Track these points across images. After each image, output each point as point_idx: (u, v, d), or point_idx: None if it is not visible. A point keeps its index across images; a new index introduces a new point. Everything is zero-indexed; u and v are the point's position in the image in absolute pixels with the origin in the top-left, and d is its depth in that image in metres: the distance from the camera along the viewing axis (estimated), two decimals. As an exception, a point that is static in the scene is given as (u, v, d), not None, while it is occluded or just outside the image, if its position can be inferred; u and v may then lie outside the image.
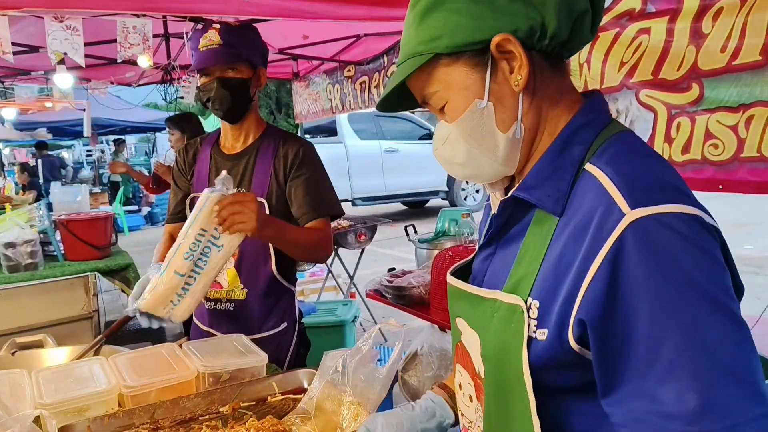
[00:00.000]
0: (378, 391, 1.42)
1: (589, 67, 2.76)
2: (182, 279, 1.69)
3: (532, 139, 0.94)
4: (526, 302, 0.88)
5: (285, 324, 2.18)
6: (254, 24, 3.94)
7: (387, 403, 1.47)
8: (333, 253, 5.51)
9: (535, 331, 0.87)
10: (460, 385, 1.07)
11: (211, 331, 2.17)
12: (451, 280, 1.07)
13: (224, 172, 1.75)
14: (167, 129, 4.99)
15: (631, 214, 0.77)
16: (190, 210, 1.93)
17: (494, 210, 1.01)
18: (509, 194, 0.95)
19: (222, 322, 2.15)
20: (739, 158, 2.27)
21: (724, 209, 10.68)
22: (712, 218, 0.79)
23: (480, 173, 0.97)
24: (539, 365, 0.87)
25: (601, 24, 2.99)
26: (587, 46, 2.73)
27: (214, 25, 2.03)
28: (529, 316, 0.87)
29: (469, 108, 0.91)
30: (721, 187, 2.33)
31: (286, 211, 2.08)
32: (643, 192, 0.79)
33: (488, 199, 1.13)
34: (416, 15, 0.92)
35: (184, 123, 4.85)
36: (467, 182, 11.47)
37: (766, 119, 2.19)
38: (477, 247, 1.10)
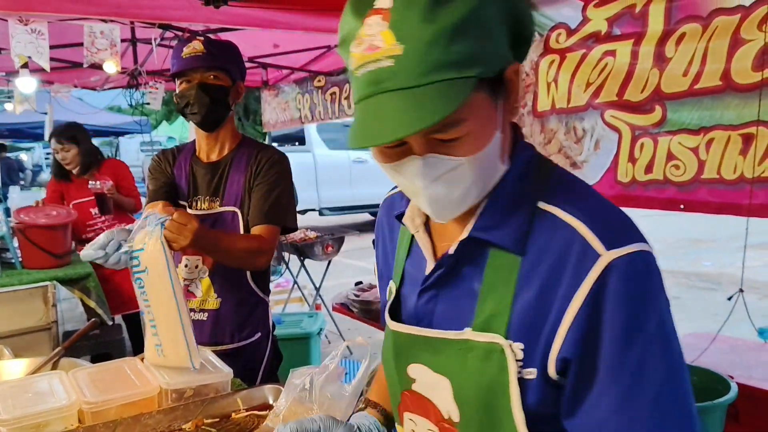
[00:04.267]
0: (344, 408, 1.42)
1: (556, 87, 2.81)
2: (147, 311, 1.70)
3: None
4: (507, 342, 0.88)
5: (259, 334, 2.17)
6: (224, 32, 3.93)
7: (353, 420, 1.46)
8: (299, 264, 5.50)
9: (520, 372, 0.88)
10: None
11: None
12: (399, 327, 1.00)
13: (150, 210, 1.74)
14: (55, 146, 4.17)
15: (606, 256, 0.82)
16: None
17: (427, 250, 0.99)
18: (466, 234, 0.92)
19: (195, 332, 2.12)
20: (700, 179, 2.34)
21: (683, 226, 10.93)
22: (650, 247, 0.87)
23: (458, 210, 0.91)
24: (533, 403, 0.89)
25: (567, 45, 3.04)
26: (555, 66, 2.79)
27: (198, 37, 2.08)
28: (514, 359, 0.88)
29: (491, 140, 0.85)
30: (682, 206, 2.40)
31: None
32: (613, 233, 0.84)
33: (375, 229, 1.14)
34: (444, 31, 0.78)
35: (78, 134, 4.16)
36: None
37: (725, 142, 2.27)
38: (393, 287, 1.06)
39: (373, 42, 0.79)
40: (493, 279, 0.90)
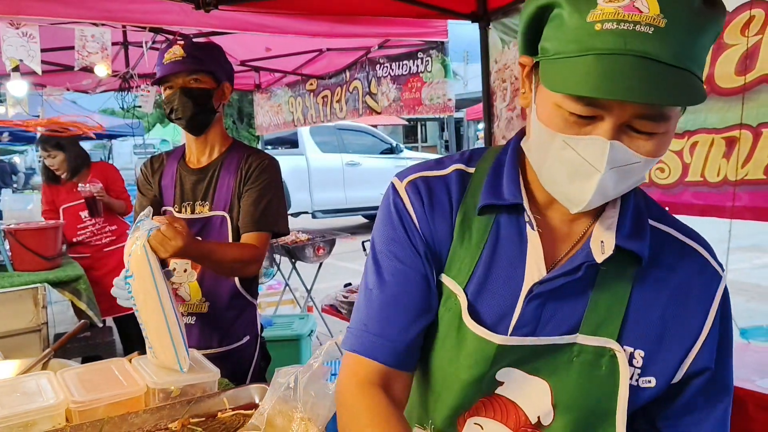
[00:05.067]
0: (328, 406, 1.43)
1: (543, 90, 2.83)
2: (137, 314, 1.72)
3: None
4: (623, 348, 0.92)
5: (248, 337, 2.18)
6: (216, 36, 3.94)
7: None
8: (291, 266, 5.51)
9: (637, 380, 0.92)
10: None
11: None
12: (504, 340, 0.93)
13: (147, 210, 1.73)
14: (42, 152, 4.27)
15: (722, 276, 0.97)
16: None
17: (539, 253, 0.94)
18: (613, 243, 0.91)
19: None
20: (684, 182, 2.37)
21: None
22: None
23: (596, 205, 0.88)
24: (637, 408, 0.94)
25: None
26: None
27: (179, 41, 2.07)
28: (632, 365, 0.92)
29: (667, 150, 0.85)
30: (666, 209, 2.41)
31: None
32: (716, 256, 0.98)
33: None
34: (704, 28, 0.79)
35: (62, 140, 4.19)
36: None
37: (709, 145, 2.30)
38: (458, 288, 0.97)
39: (636, 3, 0.76)
40: (604, 285, 0.93)
